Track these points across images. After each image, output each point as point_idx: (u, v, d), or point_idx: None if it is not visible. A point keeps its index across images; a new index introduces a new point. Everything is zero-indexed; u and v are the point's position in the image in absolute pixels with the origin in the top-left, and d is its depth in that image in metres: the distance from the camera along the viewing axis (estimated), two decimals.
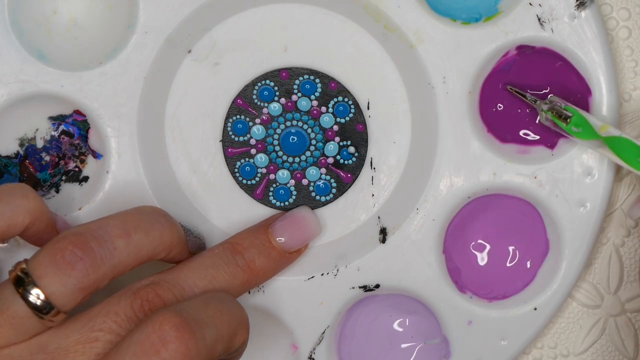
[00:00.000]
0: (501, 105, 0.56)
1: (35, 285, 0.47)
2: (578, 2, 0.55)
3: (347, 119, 0.56)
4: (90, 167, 0.56)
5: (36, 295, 0.47)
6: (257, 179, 0.56)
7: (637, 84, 0.58)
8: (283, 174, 0.56)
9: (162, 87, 0.56)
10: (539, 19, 0.55)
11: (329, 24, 0.56)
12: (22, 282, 0.47)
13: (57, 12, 0.55)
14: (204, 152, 0.56)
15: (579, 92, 0.56)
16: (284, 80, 0.56)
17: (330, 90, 0.56)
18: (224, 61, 0.56)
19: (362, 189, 0.57)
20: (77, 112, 0.56)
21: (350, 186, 0.56)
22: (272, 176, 0.56)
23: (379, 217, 0.57)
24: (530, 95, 0.54)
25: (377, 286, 0.56)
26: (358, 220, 0.57)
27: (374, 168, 0.57)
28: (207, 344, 0.47)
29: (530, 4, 0.55)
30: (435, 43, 0.55)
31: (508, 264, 0.57)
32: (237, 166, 0.56)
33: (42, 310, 0.47)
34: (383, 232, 0.57)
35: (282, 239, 0.54)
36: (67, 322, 0.48)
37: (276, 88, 0.56)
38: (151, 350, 0.45)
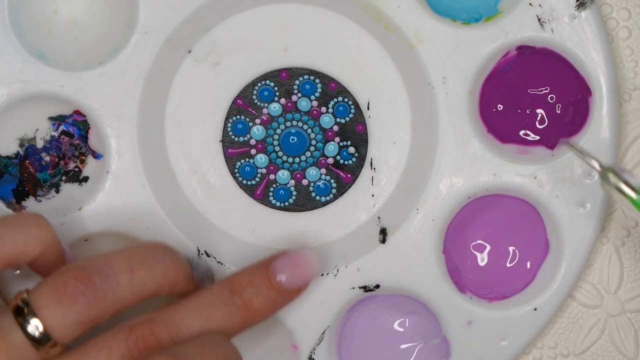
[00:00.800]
0: (501, 105, 0.56)
1: (35, 316, 0.47)
2: (578, 3, 0.55)
3: (347, 119, 0.56)
4: (90, 167, 0.56)
5: (35, 326, 0.47)
6: (257, 179, 0.56)
7: (637, 84, 0.58)
8: (283, 174, 0.56)
9: (162, 87, 0.56)
10: (539, 19, 0.55)
11: (329, 24, 0.56)
12: (22, 311, 0.47)
13: (57, 12, 0.55)
14: (204, 152, 0.56)
15: (579, 92, 0.56)
16: (284, 80, 0.56)
17: (330, 90, 0.56)
18: (224, 61, 0.56)
19: (362, 189, 0.57)
20: (77, 112, 0.56)
21: (350, 186, 0.57)
22: (272, 176, 0.56)
23: (379, 218, 0.57)
24: (595, 161, 0.51)
25: (377, 286, 0.56)
26: (358, 220, 0.57)
27: (374, 168, 0.57)
28: None
29: (531, 4, 0.55)
30: (436, 43, 0.55)
31: (508, 264, 0.57)
32: (237, 166, 0.56)
33: (40, 342, 0.47)
34: (383, 232, 0.57)
35: (282, 278, 0.52)
36: (62, 356, 0.48)
37: (276, 88, 0.56)
38: None
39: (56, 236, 0.49)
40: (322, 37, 0.56)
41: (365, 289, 0.57)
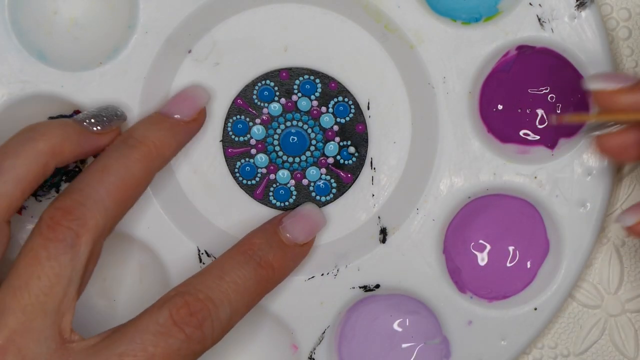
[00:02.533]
0: (501, 105, 0.56)
1: None
2: (578, 2, 0.55)
3: (347, 119, 0.56)
4: None
5: None
6: (257, 179, 0.56)
7: None
8: (283, 174, 0.56)
9: (163, 87, 0.56)
10: (539, 19, 0.55)
11: (329, 24, 0.56)
12: None
13: (58, 13, 0.55)
14: (204, 152, 0.56)
15: (579, 92, 0.56)
16: (284, 80, 0.56)
17: (331, 90, 0.56)
18: (224, 61, 0.56)
19: (362, 189, 0.57)
20: (77, 112, 0.56)
21: (350, 186, 0.57)
22: (272, 176, 0.56)
23: (379, 217, 0.57)
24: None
25: (377, 286, 0.56)
26: (358, 220, 0.57)
27: (374, 168, 0.57)
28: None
29: (530, 4, 0.55)
30: (436, 43, 0.55)
31: (508, 264, 0.57)
32: (237, 166, 0.56)
33: None
34: (383, 232, 0.57)
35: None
36: None
37: (276, 88, 0.56)
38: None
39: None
40: (323, 37, 0.56)
41: (366, 288, 0.57)
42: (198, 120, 0.54)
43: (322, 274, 0.57)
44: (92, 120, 0.52)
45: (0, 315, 0.47)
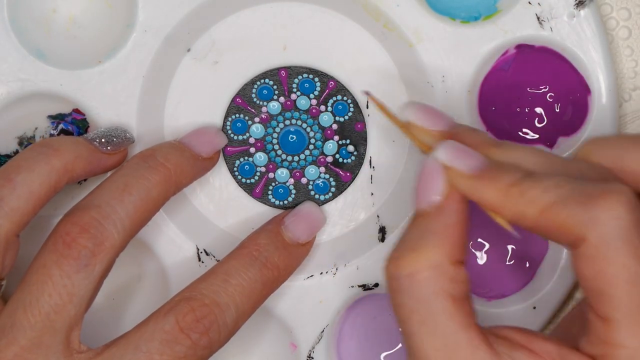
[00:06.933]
0: (500, 104, 0.56)
1: None
2: (577, 1, 0.55)
3: (346, 117, 0.56)
4: None
5: None
6: (257, 177, 0.56)
7: (637, 84, 0.58)
8: (282, 173, 0.56)
9: (162, 85, 0.56)
10: (538, 18, 0.55)
11: (328, 23, 0.56)
12: None
13: (57, 11, 0.56)
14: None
15: (578, 92, 0.56)
16: (283, 79, 0.56)
17: (330, 89, 0.56)
18: (223, 60, 0.56)
19: (362, 188, 0.57)
20: (77, 110, 0.56)
21: (349, 185, 0.56)
22: (271, 175, 0.56)
23: (378, 216, 0.57)
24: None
25: (376, 285, 0.56)
26: (357, 219, 0.57)
27: (373, 167, 0.57)
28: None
29: (530, 2, 0.55)
30: (435, 42, 0.55)
31: (507, 263, 0.57)
32: (236, 165, 0.56)
33: None
34: (382, 231, 0.57)
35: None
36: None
37: (275, 87, 0.56)
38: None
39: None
40: (322, 35, 0.56)
41: (365, 287, 0.57)
42: (212, 160, 0.55)
43: (321, 273, 0.56)
44: (103, 140, 0.52)
45: (10, 330, 0.47)
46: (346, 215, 0.57)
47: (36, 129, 0.56)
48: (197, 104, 0.56)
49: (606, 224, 0.40)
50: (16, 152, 0.56)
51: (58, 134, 0.56)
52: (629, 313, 0.40)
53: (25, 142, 0.56)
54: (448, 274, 0.42)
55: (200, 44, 0.56)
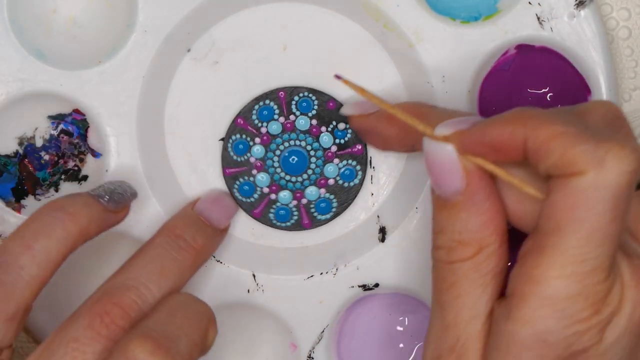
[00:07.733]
0: (500, 104, 0.56)
1: None
2: (577, 1, 0.55)
3: (345, 140, 0.56)
4: (89, 166, 0.56)
5: None
6: (256, 196, 0.56)
7: (637, 84, 0.58)
8: (285, 195, 0.56)
9: (162, 85, 0.56)
10: (539, 18, 0.55)
11: (328, 23, 0.56)
12: None
13: (57, 11, 0.56)
14: (203, 150, 0.56)
15: (578, 92, 0.56)
16: (282, 99, 0.56)
17: (329, 109, 0.56)
18: (224, 60, 0.56)
19: (362, 188, 0.57)
20: (77, 111, 0.56)
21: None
22: (273, 196, 0.56)
23: (378, 216, 0.57)
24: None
25: (377, 285, 0.56)
26: (357, 219, 0.57)
27: (374, 167, 0.57)
28: (184, 356, 0.46)
29: (530, 2, 0.55)
30: (435, 42, 0.55)
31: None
32: (235, 185, 0.56)
33: None
34: (382, 231, 0.57)
35: (211, 217, 0.54)
36: (28, 357, 0.47)
37: (275, 107, 0.56)
38: None
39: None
40: (322, 36, 0.56)
41: (365, 287, 0.57)
42: (224, 232, 0.55)
43: (321, 273, 0.56)
44: (107, 198, 0.52)
45: None
46: (346, 215, 0.57)
47: (36, 129, 0.56)
48: (197, 103, 0.56)
49: (611, 171, 0.40)
50: (16, 153, 0.56)
51: (58, 134, 0.56)
52: (569, 256, 0.41)
53: (25, 142, 0.56)
54: (494, 258, 0.45)
55: (200, 44, 0.56)
